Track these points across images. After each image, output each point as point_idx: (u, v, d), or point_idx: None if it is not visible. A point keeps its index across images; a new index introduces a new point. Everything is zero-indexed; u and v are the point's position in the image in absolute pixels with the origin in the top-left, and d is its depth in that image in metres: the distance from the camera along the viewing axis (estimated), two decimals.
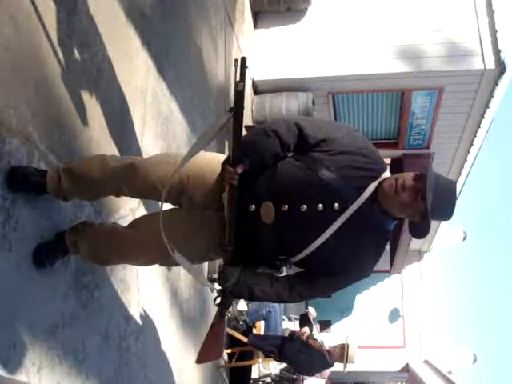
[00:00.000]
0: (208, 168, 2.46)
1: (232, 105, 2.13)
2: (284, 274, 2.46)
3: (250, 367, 6.98)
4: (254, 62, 8.27)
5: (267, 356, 6.48)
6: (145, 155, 3.98)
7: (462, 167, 9.81)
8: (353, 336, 7.07)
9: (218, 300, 2.54)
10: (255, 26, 8.54)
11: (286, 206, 2.25)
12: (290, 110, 7.85)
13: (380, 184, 2.25)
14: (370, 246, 2.36)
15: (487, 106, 8.12)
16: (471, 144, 9.06)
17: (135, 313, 3.84)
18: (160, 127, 4.49)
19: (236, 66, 2.02)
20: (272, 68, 8.24)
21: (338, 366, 6.44)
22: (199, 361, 2.85)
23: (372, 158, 2.32)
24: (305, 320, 7.58)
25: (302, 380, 7.27)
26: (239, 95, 2.09)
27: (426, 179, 2.10)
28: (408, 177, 2.19)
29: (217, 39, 6.45)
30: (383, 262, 11.85)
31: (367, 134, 9.44)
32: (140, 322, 3.92)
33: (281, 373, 7.72)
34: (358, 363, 6.73)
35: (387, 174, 2.31)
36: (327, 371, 7.14)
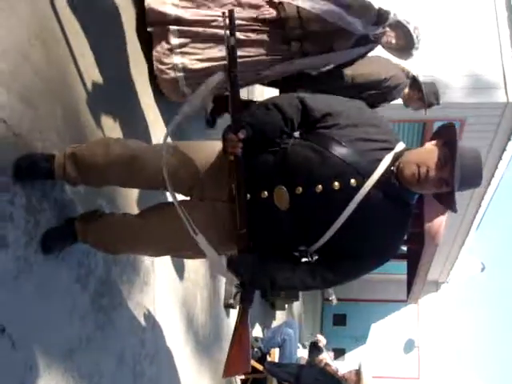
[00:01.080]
0: (216, 158, 2.35)
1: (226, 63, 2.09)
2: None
3: None
4: None
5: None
6: None
7: (483, 198, 9.75)
8: (366, 364, 6.99)
9: (235, 294, 2.40)
10: None
11: (300, 188, 2.15)
12: None
13: (399, 166, 2.12)
14: (393, 221, 2.21)
15: (509, 139, 8.09)
16: (492, 175, 9.01)
17: (151, 336, 3.84)
18: None
19: (224, 19, 1.98)
20: None
21: None
22: (227, 374, 2.56)
23: (383, 127, 2.22)
24: (315, 348, 7.53)
25: None
26: (232, 50, 2.05)
27: (453, 168, 2.00)
28: (431, 164, 2.06)
29: None
30: (400, 291, 11.78)
31: None
32: (155, 346, 3.91)
33: None
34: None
35: (402, 144, 2.21)
36: None
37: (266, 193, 2.20)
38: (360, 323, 17.33)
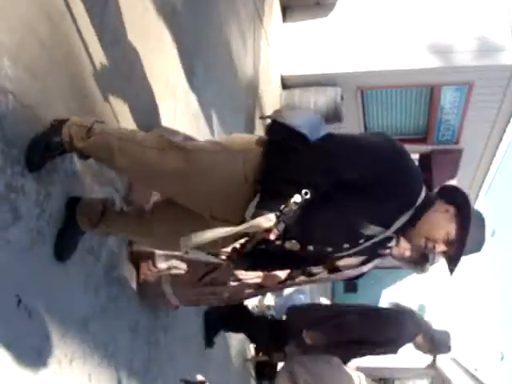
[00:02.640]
0: (231, 184, 2.18)
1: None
2: None
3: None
4: (283, 57, 8.27)
5: None
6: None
7: (491, 163, 9.70)
8: None
9: None
10: (284, 20, 8.52)
11: (311, 247, 2.19)
12: (318, 104, 7.83)
13: (407, 235, 2.13)
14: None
15: None
16: (501, 139, 8.95)
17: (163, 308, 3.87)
18: (190, 122, 4.51)
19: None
20: (300, 62, 8.22)
21: None
22: None
23: (412, 189, 2.07)
24: None
25: None
26: None
27: (461, 251, 2.04)
28: (439, 240, 2.07)
29: (245, 33, 6.45)
30: None
31: (396, 130, 9.38)
32: (168, 317, 3.95)
33: None
34: (384, 359, 6.66)
35: (423, 194, 2.08)
36: (353, 366, 7.10)
37: (278, 242, 2.14)
38: (371, 290, 17.38)
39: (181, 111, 4.30)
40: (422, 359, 16.13)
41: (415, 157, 10.77)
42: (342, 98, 7.97)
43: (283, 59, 8.25)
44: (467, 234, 1.99)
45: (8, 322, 2.24)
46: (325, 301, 7.08)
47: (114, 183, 3.15)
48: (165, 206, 2.54)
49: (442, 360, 15.29)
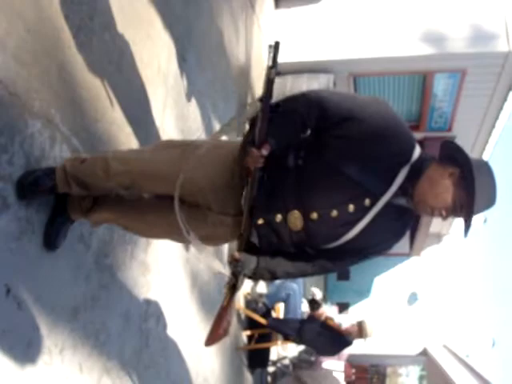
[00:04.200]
0: (225, 170, 2.28)
1: (261, 93, 2.05)
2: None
3: (268, 349, 7.00)
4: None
5: (286, 338, 6.49)
6: (165, 137, 3.98)
7: (484, 150, 9.71)
8: (370, 316, 7.05)
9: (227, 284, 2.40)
10: (276, 7, 8.46)
11: (315, 214, 2.14)
12: None
13: (414, 198, 2.10)
14: (396, 230, 2.29)
15: (510, 89, 8.00)
16: (493, 126, 8.95)
17: (156, 295, 3.86)
18: (181, 109, 4.48)
19: (270, 51, 1.92)
20: (293, 49, 8.16)
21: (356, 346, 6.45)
22: (207, 343, 2.59)
23: (401, 136, 2.14)
24: (314, 303, 7.50)
25: (321, 362, 7.29)
26: (270, 82, 2.00)
27: (471, 216, 2.01)
28: (446, 208, 2.06)
29: (238, 21, 6.40)
30: (402, 244, 11.84)
31: None
32: (160, 305, 3.94)
33: (300, 355, 7.73)
34: (376, 343, 6.71)
35: (417, 151, 2.14)
36: (345, 353, 7.14)
37: (280, 216, 2.18)
38: (363, 277, 17.45)
39: (171, 98, 4.27)
40: (414, 347, 16.25)
41: None
42: (335, 85, 7.94)
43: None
44: (474, 198, 1.96)
45: None
46: (317, 292, 7.09)
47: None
48: (162, 197, 2.52)
49: (434, 347, 15.42)
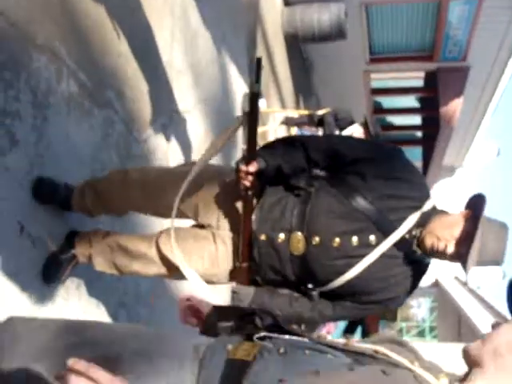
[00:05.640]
0: (221, 193, 2.25)
1: (247, 107, 2.02)
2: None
3: None
4: None
5: None
6: (174, 72, 3.89)
7: (500, 80, 9.51)
8: None
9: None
10: None
11: (317, 238, 2.06)
12: (321, 21, 7.61)
13: (421, 234, 2.04)
14: (405, 278, 2.15)
15: None
16: (510, 55, 8.74)
17: None
18: (189, 41, 4.36)
19: (252, 66, 1.93)
20: None
21: None
22: None
23: (415, 183, 2.11)
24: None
25: None
26: (254, 96, 1.99)
27: (470, 248, 1.90)
28: (451, 239, 1.98)
29: None
30: None
31: (401, 47, 9.16)
32: None
33: None
34: None
35: (431, 202, 2.10)
36: None
37: (282, 236, 2.11)
38: None
39: (179, 30, 4.14)
40: (425, 278, 16.40)
41: (420, 75, 10.58)
42: (346, 15, 7.73)
43: None
44: (476, 230, 1.89)
45: (12, 250, 2.22)
46: None
47: (113, 105, 3.06)
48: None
49: (445, 279, 15.56)
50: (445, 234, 1.99)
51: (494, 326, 1.15)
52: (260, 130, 6.49)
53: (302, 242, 2.08)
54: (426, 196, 2.09)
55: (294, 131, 6.82)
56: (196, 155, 4.01)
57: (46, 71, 2.44)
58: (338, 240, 2.04)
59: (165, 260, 2.24)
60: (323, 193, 2.10)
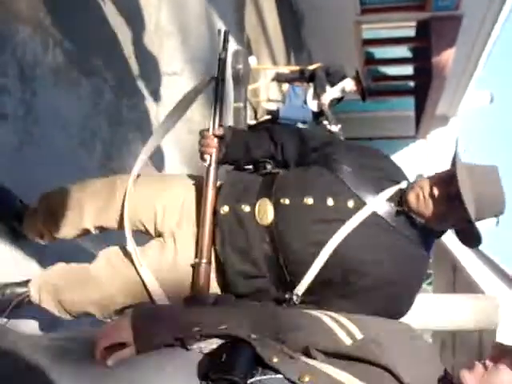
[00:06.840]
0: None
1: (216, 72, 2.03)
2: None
3: None
4: None
5: None
6: (163, 34, 3.85)
7: (493, 28, 9.42)
8: None
9: None
10: None
11: (287, 199, 1.83)
12: None
13: (403, 195, 1.83)
14: (404, 256, 1.85)
15: None
16: (503, 4, 8.64)
17: None
18: (177, 1, 4.31)
19: (219, 36, 2.03)
20: None
21: None
22: None
23: (392, 163, 1.97)
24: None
25: None
26: (222, 62, 2.04)
27: (457, 179, 1.71)
28: (433, 184, 1.79)
29: None
30: (408, 127, 11.79)
31: None
32: None
33: None
34: None
35: (406, 183, 1.90)
36: None
37: (248, 208, 1.87)
38: None
39: None
40: None
41: (412, 25, 10.46)
42: None
43: None
44: (457, 164, 1.75)
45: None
46: None
47: (101, 73, 3.05)
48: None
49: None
50: (427, 181, 1.82)
51: (494, 348, 1.12)
52: (251, 86, 6.47)
53: (269, 209, 1.85)
54: (403, 176, 1.93)
55: (285, 87, 6.79)
56: None
57: (31, 42, 2.44)
58: (310, 199, 1.81)
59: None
60: (292, 170, 1.97)
